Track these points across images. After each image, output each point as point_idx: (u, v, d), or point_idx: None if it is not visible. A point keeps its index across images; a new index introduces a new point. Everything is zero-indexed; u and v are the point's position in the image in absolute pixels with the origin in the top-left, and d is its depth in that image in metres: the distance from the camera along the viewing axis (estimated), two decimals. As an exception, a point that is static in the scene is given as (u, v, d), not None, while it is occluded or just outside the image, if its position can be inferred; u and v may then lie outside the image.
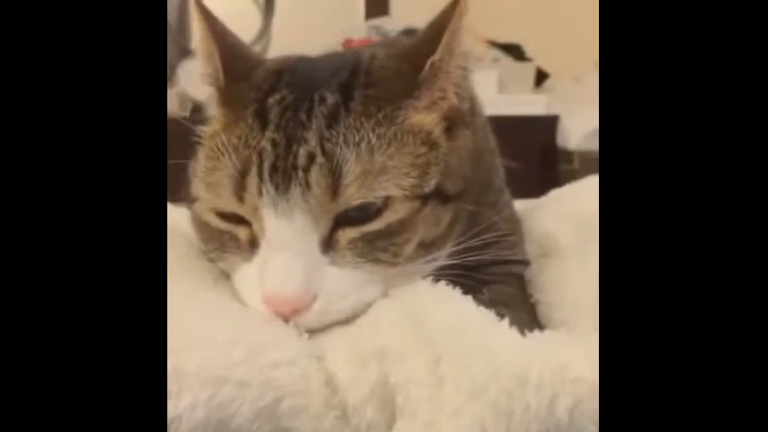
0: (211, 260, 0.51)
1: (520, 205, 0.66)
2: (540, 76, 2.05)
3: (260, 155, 0.46)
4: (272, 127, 0.47)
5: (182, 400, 0.37)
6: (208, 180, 0.48)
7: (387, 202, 0.46)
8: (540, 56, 2.04)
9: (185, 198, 0.52)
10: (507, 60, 1.98)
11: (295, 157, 0.45)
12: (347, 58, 0.53)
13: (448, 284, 0.47)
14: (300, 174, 0.45)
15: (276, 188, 0.45)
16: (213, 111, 0.52)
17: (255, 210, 0.46)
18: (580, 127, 1.69)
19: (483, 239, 0.52)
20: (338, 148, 0.45)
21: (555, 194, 0.74)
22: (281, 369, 0.40)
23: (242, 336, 0.42)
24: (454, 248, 0.51)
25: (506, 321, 0.42)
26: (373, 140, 0.46)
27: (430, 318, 0.43)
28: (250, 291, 0.47)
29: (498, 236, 0.54)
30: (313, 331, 0.45)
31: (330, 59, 0.56)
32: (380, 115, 0.47)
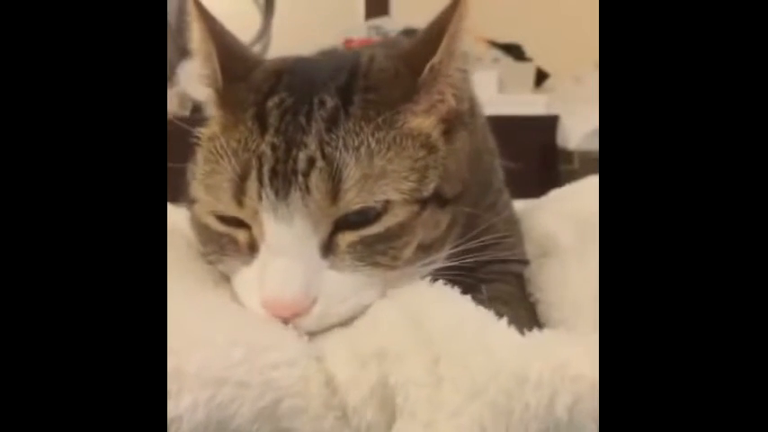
0: (210, 262, 0.51)
1: (520, 205, 0.66)
2: (540, 76, 2.06)
3: (260, 159, 0.46)
4: (271, 131, 0.47)
5: (182, 401, 0.37)
6: (207, 183, 0.48)
7: (386, 206, 0.46)
8: (540, 56, 2.04)
9: (185, 199, 0.52)
10: (507, 60, 1.98)
11: (295, 162, 0.45)
12: (346, 59, 0.53)
13: (446, 284, 0.47)
14: (300, 178, 0.45)
15: (276, 193, 0.45)
16: (212, 112, 0.52)
17: (255, 214, 0.46)
18: (580, 127, 1.69)
19: (482, 241, 0.52)
20: (338, 153, 0.45)
21: (555, 194, 0.74)
22: (281, 370, 0.40)
23: (242, 336, 0.42)
24: (452, 250, 0.51)
25: (505, 320, 0.42)
26: (373, 145, 0.46)
27: (429, 317, 0.43)
28: (249, 294, 0.47)
29: (497, 237, 0.54)
30: (313, 332, 0.45)
31: (329, 60, 0.56)
32: (380, 119, 0.47)
